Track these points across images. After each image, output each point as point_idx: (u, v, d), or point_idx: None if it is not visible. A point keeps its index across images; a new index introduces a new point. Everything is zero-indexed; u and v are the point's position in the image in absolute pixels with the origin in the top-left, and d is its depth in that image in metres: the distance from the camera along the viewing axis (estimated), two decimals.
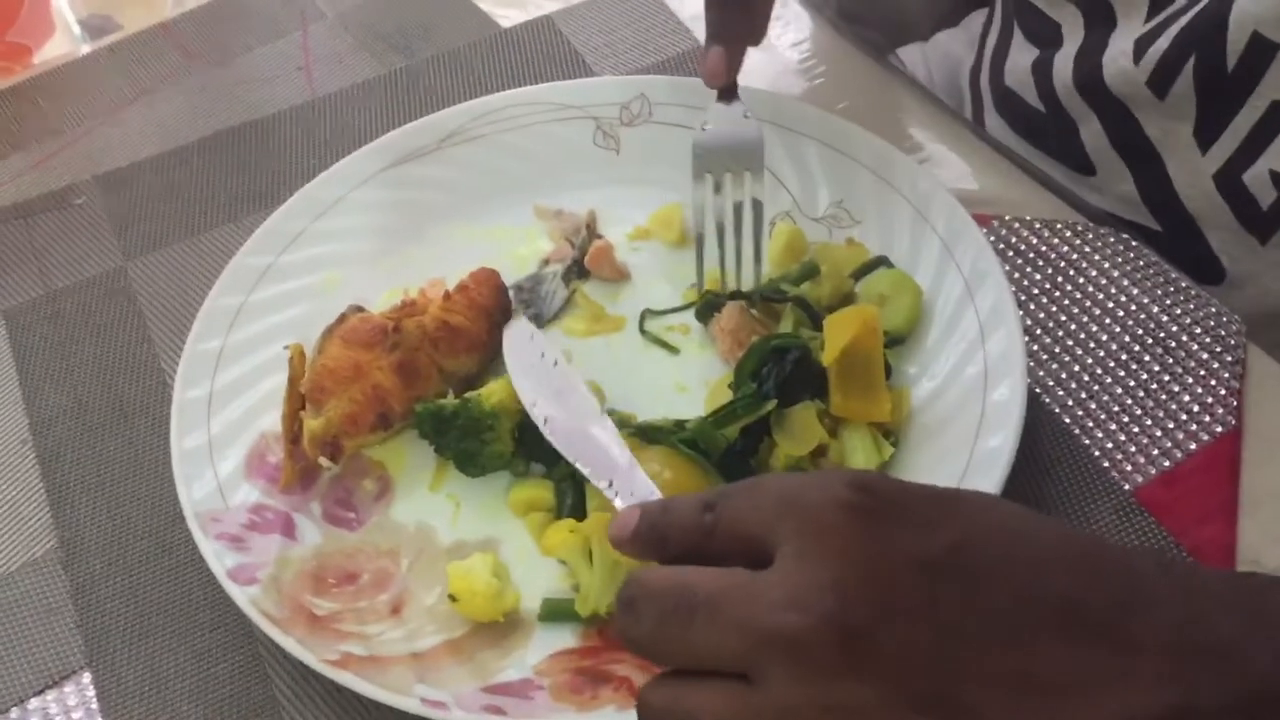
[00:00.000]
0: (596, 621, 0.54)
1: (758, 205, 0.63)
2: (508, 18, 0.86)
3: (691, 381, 0.63)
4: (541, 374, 0.58)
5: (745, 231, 0.63)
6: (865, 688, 0.34)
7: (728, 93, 0.64)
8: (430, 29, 0.85)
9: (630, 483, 0.50)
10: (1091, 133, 0.73)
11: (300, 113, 0.80)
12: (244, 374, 0.63)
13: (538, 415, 0.56)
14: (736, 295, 0.64)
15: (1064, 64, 0.73)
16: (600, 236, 0.70)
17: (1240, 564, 0.55)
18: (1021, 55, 0.77)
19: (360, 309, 0.62)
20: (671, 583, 0.38)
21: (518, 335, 0.62)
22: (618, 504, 0.48)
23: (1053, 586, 0.35)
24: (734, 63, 0.63)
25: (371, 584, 0.56)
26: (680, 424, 0.58)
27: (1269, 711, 0.35)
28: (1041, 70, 0.75)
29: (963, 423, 0.57)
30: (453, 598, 0.54)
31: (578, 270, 0.68)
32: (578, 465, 0.53)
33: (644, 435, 0.57)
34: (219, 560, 0.54)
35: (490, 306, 0.63)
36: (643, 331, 0.66)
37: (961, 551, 0.36)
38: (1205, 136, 0.67)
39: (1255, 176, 0.66)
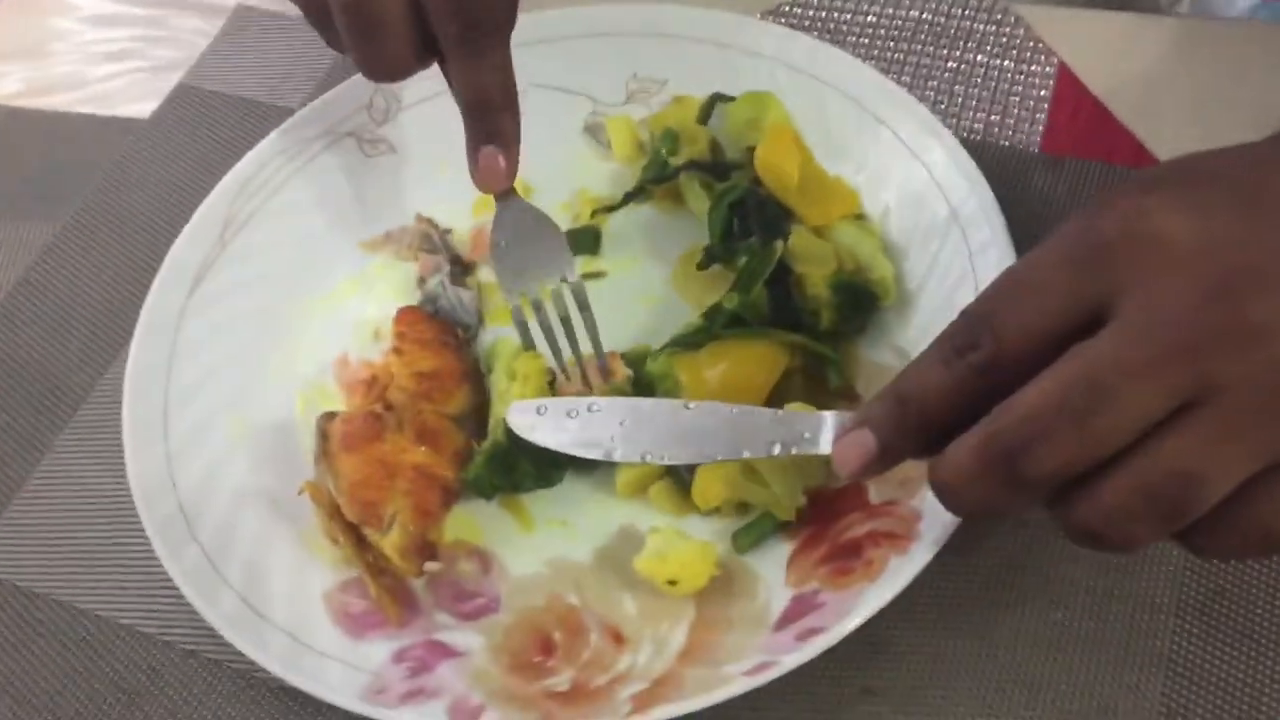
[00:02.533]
0: (797, 518, 0.52)
1: (586, 311, 0.56)
2: (143, 111, 0.76)
3: (650, 285, 0.61)
4: (587, 429, 0.49)
5: (581, 336, 0.56)
6: None
7: (507, 193, 0.56)
8: (71, 159, 0.73)
9: (795, 427, 0.45)
10: None
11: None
12: (251, 559, 0.53)
13: (629, 458, 0.48)
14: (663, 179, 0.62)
15: None
16: (449, 230, 0.65)
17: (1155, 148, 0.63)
18: None
19: (332, 414, 0.54)
20: (1058, 388, 0.35)
21: (522, 420, 0.50)
22: (821, 451, 0.44)
23: None
24: (517, 158, 0.55)
25: (570, 634, 0.50)
26: (712, 313, 0.56)
27: None
28: None
29: (915, 180, 0.59)
30: (673, 582, 0.50)
31: (462, 268, 0.63)
32: (725, 459, 0.47)
33: (685, 344, 0.55)
34: (435, 717, 0.46)
35: (439, 335, 0.57)
36: None
37: (1257, 175, 0.38)
38: None
39: None
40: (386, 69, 0.52)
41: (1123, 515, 0.36)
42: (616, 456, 0.48)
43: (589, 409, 0.49)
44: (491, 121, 0.53)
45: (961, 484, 0.38)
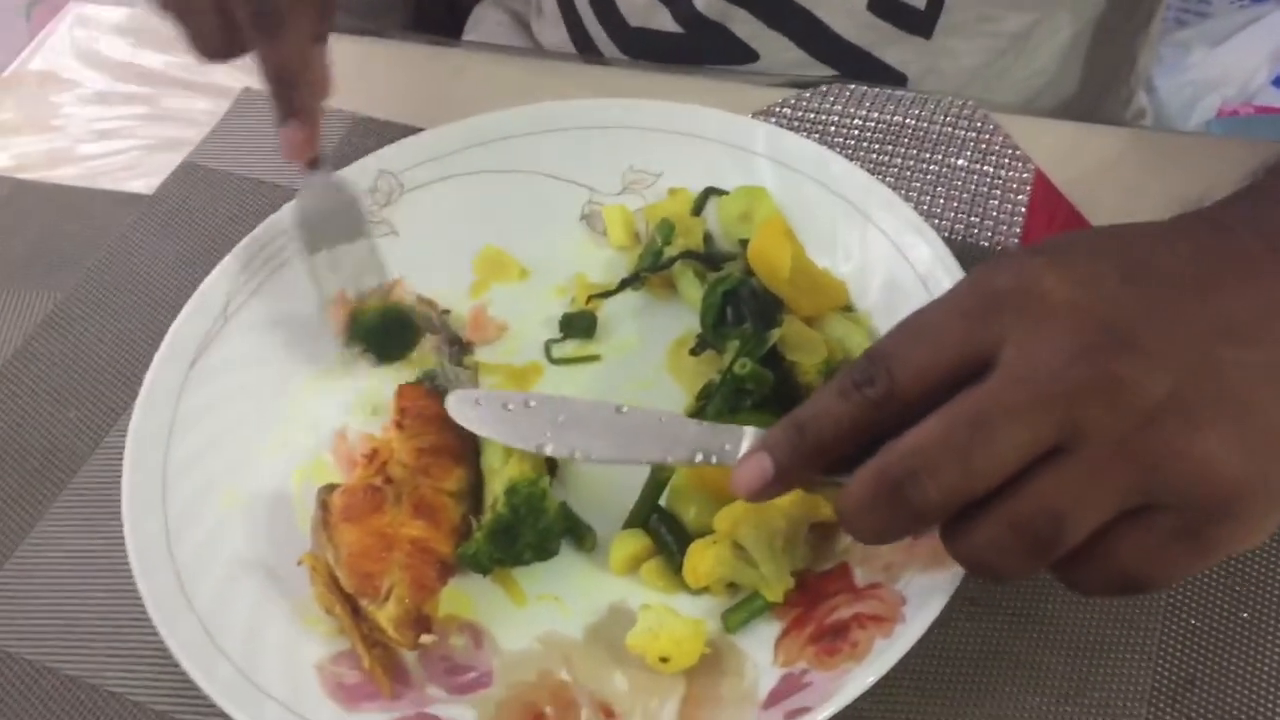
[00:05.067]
0: (786, 599, 0.53)
1: (377, 268, 0.64)
2: (142, 186, 0.77)
3: (643, 369, 0.63)
4: (522, 423, 0.53)
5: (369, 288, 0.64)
6: (1163, 375, 0.38)
7: (315, 161, 0.63)
8: (73, 231, 0.75)
9: (717, 438, 0.48)
10: (743, 23, 0.81)
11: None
12: (247, 630, 0.54)
13: (559, 453, 0.52)
14: (659, 267, 0.64)
15: None
16: (447, 310, 0.66)
17: None
18: None
19: (333, 486, 0.55)
20: (943, 426, 0.39)
21: (463, 409, 0.55)
22: (731, 463, 0.47)
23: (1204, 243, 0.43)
24: (316, 132, 0.61)
25: (561, 709, 0.51)
26: (704, 393, 0.58)
27: None
28: None
29: (900, 276, 0.62)
30: (664, 659, 0.51)
31: (461, 348, 0.65)
32: (649, 463, 0.50)
33: None
34: None
35: (441, 412, 0.58)
36: (556, 361, 0.64)
37: (1141, 249, 0.42)
38: None
39: None
40: (207, 49, 0.58)
41: (997, 546, 0.40)
42: (548, 451, 0.52)
43: (525, 404, 0.53)
44: (288, 97, 0.59)
45: (859, 512, 0.42)
